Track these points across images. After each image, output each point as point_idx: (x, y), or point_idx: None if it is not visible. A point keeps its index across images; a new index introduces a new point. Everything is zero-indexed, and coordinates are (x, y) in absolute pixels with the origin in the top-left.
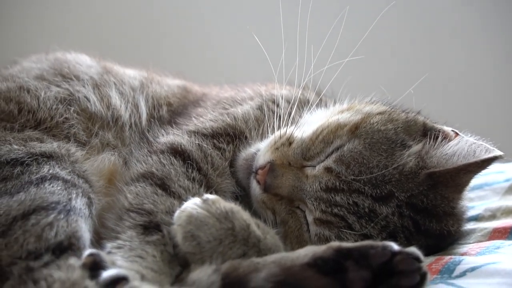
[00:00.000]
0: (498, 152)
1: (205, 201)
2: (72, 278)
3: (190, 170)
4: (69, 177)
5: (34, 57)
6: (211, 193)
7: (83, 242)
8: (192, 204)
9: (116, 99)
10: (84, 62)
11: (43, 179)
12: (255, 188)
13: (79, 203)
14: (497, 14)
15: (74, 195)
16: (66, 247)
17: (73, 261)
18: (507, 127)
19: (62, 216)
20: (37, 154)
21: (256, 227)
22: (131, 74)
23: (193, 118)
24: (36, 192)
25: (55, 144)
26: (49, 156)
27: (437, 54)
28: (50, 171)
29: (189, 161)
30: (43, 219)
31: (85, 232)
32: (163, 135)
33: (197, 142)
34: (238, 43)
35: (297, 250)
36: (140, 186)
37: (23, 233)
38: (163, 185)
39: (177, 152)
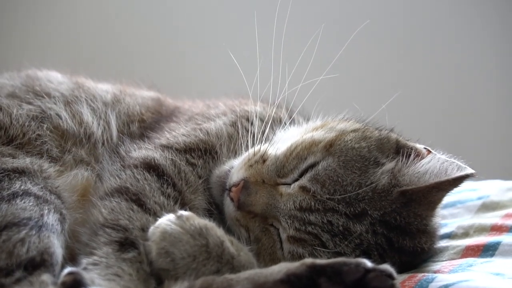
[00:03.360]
0: (470, 170)
1: (179, 217)
2: None
3: (165, 186)
4: (41, 193)
5: (6, 74)
6: (185, 210)
7: (55, 258)
8: (166, 221)
9: (88, 116)
10: (55, 79)
11: (14, 195)
12: (229, 206)
13: (51, 219)
14: (471, 32)
15: (46, 211)
16: (39, 263)
17: (46, 277)
18: (480, 144)
19: (34, 232)
20: (9, 170)
21: (230, 243)
22: (104, 88)
23: (166, 132)
24: (7, 208)
25: (27, 160)
26: (21, 172)
27: (410, 71)
28: (22, 187)
29: (164, 177)
30: (14, 235)
31: (57, 248)
32: (135, 149)
33: (170, 157)
34: (213, 59)
35: (270, 267)
36: (115, 201)
37: None
38: (138, 200)
39: (150, 167)
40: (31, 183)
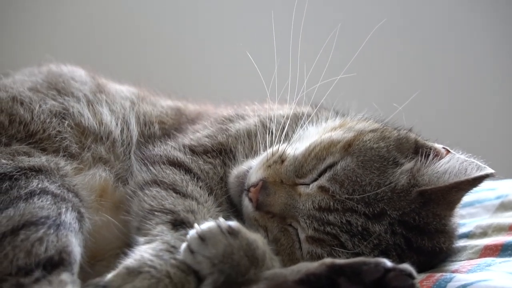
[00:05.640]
0: (489, 170)
1: (231, 232)
2: None
3: (195, 179)
4: (58, 191)
5: (26, 71)
6: (217, 204)
7: (74, 257)
8: (220, 234)
9: (107, 116)
10: (79, 78)
11: (32, 194)
12: (247, 206)
13: (69, 217)
14: (490, 31)
15: (63, 209)
16: (57, 262)
17: (65, 276)
18: (497, 143)
19: (52, 231)
20: (26, 168)
21: (268, 257)
22: (123, 93)
23: (189, 133)
24: (25, 207)
25: (43, 158)
26: (38, 170)
27: (429, 70)
28: (39, 185)
29: (191, 172)
30: (32, 234)
31: (75, 246)
32: (159, 146)
33: (189, 156)
34: (231, 60)
35: (290, 267)
36: (155, 190)
37: (12, 249)
38: (175, 190)
39: (175, 163)
40: (48, 181)
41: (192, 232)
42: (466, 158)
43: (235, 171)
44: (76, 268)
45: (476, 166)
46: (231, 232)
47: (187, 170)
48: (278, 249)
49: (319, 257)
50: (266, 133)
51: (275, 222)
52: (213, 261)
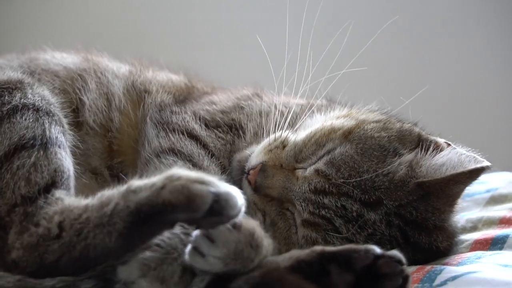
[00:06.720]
0: (486, 163)
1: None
2: (65, 206)
3: (209, 155)
4: (41, 104)
5: (9, 56)
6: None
7: (67, 173)
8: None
9: (93, 85)
10: (59, 55)
11: (14, 110)
12: (247, 189)
13: (53, 132)
14: (501, 28)
15: (47, 125)
16: (50, 185)
17: (59, 193)
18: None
19: (41, 152)
20: (9, 82)
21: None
22: (119, 64)
23: (206, 104)
24: (10, 128)
25: (29, 77)
26: (21, 82)
27: (438, 65)
28: (22, 100)
29: (207, 148)
30: (26, 160)
31: (66, 161)
32: (178, 115)
33: (204, 130)
34: (241, 48)
35: (281, 254)
36: (172, 159)
37: (11, 177)
38: (191, 161)
39: (193, 136)
40: (31, 92)
41: (196, 233)
42: (465, 152)
43: (238, 156)
44: (71, 182)
45: (473, 159)
46: (234, 225)
47: (203, 145)
48: (275, 233)
49: (314, 242)
50: (277, 118)
51: (273, 206)
52: (225, 260)
